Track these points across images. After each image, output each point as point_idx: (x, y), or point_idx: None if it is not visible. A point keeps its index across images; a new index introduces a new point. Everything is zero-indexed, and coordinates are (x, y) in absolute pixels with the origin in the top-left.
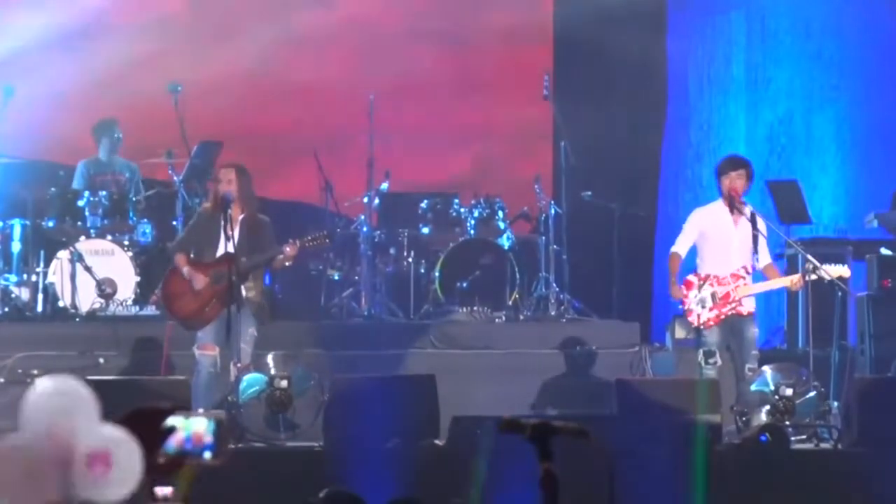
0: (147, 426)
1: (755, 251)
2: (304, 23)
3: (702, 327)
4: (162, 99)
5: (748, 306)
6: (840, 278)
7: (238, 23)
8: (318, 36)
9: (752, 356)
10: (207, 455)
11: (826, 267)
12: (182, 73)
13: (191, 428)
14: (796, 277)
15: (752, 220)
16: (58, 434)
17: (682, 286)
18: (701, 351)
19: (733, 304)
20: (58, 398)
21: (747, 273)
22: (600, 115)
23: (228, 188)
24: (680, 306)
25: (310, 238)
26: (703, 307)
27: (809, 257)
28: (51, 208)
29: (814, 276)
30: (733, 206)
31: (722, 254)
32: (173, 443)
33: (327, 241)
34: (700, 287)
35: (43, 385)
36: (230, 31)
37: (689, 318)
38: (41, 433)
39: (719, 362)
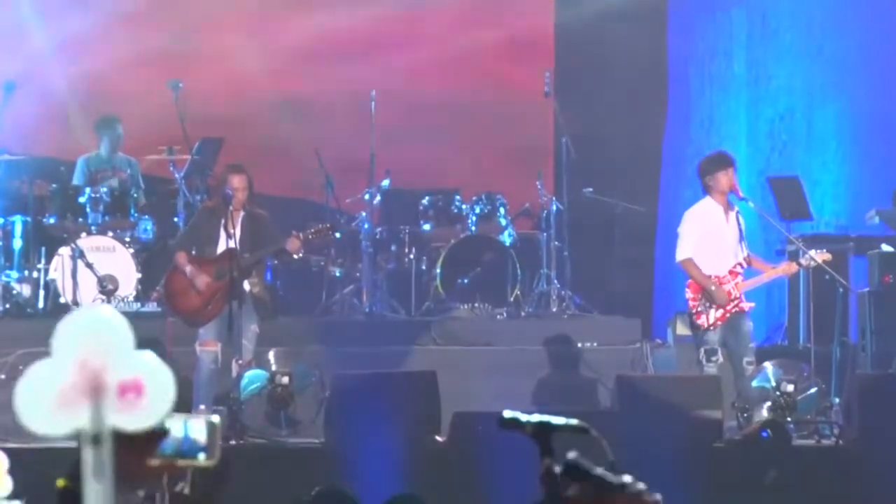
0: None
1: (742, 245)
2: (306, 20)
3: (711, 328)
4: (163, 96)
5: (746, 302)
6: (825, 262)
7: (241, 20)
8: (320, 33)
9: (749, 349)
10: (201, 457)
11: (812, 253)
12: (184, 70)
13: (189, 429)
14: (784, 265)
15: (737, 216)
16: (89, 362)
17: (688, 289)
18: (702, 349)
19: (736, 301)
20: (90, 326)
21: (742, 269)
22: (602, 112)
23: (239, 192)
24: (690, 309)
25: (313, 231)
26: (711, 308)
27: (812, 254)
28: (52, 205)
29: (804, 263)
30: (732, 205)
31: (719, 252)
32: (170, 444)
33: (331, 232)
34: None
35: (76, 313)
36: (233, 29)
37: (699, 321)
38: (72, 361)
39: (720, 360)
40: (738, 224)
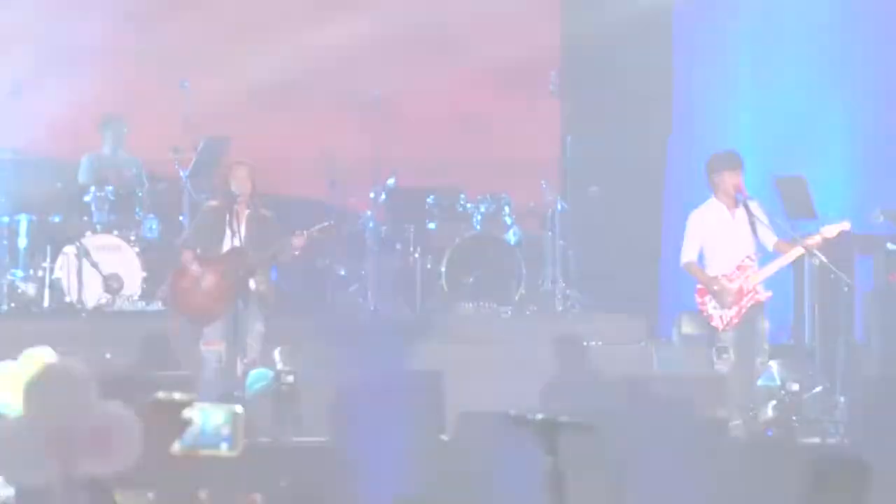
0: (163, 418)
1: (756, 237)
2: (309, 20)
3: (727, 329)
4: (169, 95)
5: (764, 291)
6: (841, 233)
7: (244, 19)
8: (324, 33)
9: (763, 350)
10: (224, 447)
11: (826, 227)
12: (189, 70)
13: (208, 420)
14: (794, 248)
15: (747, 209)
16: (58, 413)
17: (696, 294)
18: (714, 347)
19: (751, 294)
20: (56, 380)
21: (752, 261)
22: (607, 111)
23: (242, 185)
24: (701, 312)
25: (317, 228)
26: (723, 308)
27: (816, 252)
28: (57, 203)
29: (817, 238)
30: (738, 202)
31: (726, 250)
32: (189, 434)
33: (334, 230)
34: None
35: (42, 370)
36: (236, 28)
37: (713, 324)
38: (42, 413)
39: (732, 358)
40: (749, 216)
